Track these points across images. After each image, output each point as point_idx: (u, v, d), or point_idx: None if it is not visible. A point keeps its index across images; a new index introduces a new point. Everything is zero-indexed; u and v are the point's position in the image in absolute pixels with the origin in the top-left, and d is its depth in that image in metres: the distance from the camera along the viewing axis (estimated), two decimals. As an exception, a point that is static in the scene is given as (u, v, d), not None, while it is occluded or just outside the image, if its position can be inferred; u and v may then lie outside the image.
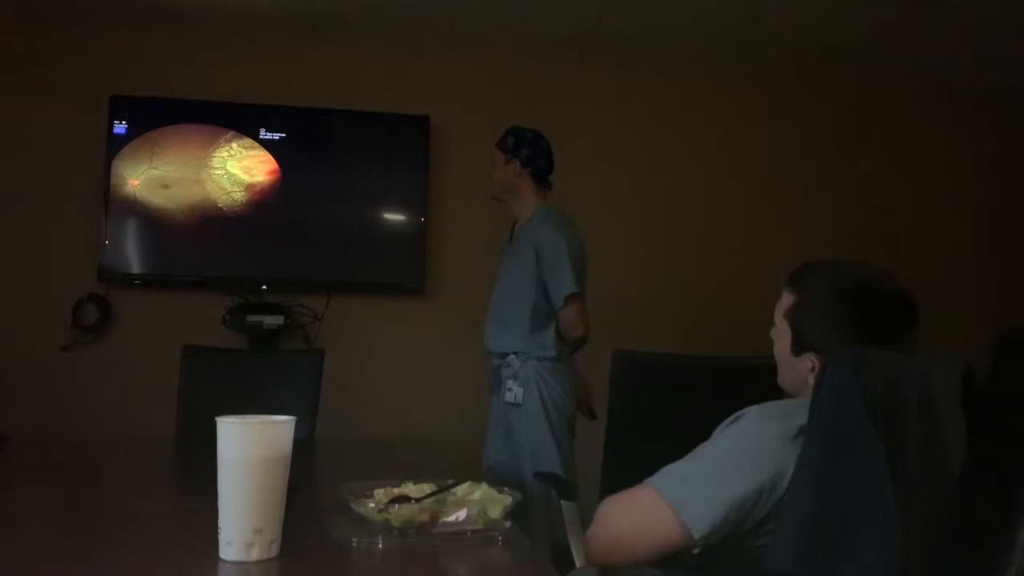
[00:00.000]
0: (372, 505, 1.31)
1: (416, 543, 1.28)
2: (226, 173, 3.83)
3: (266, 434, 1.19)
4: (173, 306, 3.79)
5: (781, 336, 1.43)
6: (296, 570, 1.19)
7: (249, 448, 1.17)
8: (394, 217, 3.99)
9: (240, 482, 1.15)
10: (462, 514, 1.31)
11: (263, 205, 3.84)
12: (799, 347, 1.40)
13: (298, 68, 3.96)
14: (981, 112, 4.39)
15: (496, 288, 3.03)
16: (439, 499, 1.33)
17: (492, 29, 3.87)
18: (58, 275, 3.76)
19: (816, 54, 4.03)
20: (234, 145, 3.84)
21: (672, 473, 1.31)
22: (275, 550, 1.18)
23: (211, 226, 3.81)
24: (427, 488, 1.37)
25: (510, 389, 2.86)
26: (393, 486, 1.38)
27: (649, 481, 1.32)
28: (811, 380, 1.33)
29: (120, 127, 3.75)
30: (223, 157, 3.83)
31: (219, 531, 1.16)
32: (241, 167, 3.84)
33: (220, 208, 3.82)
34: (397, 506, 1.30)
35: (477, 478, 1.44)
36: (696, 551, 1.27)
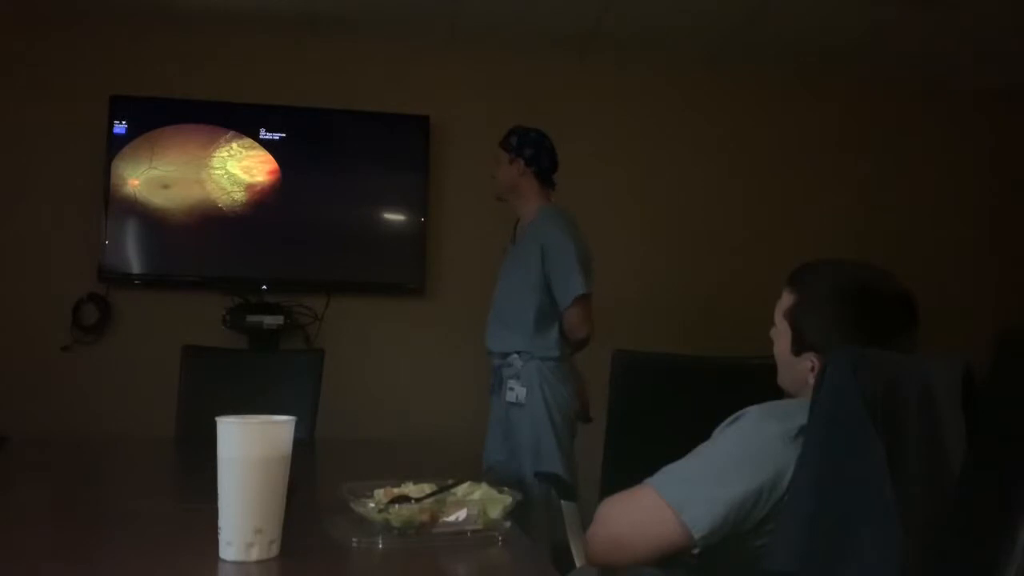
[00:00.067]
0: (372, 505, 1.31)
1: (416, 543, 1.28)
2: (226, 173, 3.83)
3: (266, 434, 1.19)
4: (173, 306, 3.79)
5: (781, 336, 1.43)
6: (296, 570, 1.20)
7: (249, 448, 1.17)
8: (394, 217, 3.99)
9: (240, 482, 1.15)
10: (462, 514, 1.31)
11: (263, 205, 3.84)
12: (799, 347, 1.40)
13: (298, 68, 3.96)
14: (981, 112, 4.39)
15: (498, 288, 3.02)
16: (439, 499, 1.33)
17: (492, 29, 3.87)
18: (58, 275, 3.76)
19: (816, 54, 4.03)
20: (234, 145, 3.84)
21: (672, 473, 1.31)
22: (275, 550, 1.18)
23: (211, 226, 3.81)
24: (427, 488, 1.37)
25: (512, 389, 2.85)
26: (393, 486, 1.38)
27: (649, 481, 1.32)
28: (811, 380, 1.33)
29: (120, 127, 3.75)
30: (223, 157, 3.83)
31: (219, 531, 1.16)
32: (241, 167, 3.84)
33: (220, 208, 3.82)
34: (397, 506, 1.30)
35: (477, 478, 1.44)
36: (696, 551, 1.27)
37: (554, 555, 2.17)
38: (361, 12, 3.72)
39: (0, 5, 3.72)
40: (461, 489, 1.38)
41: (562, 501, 2.28)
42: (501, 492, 1.38)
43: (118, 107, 3.75)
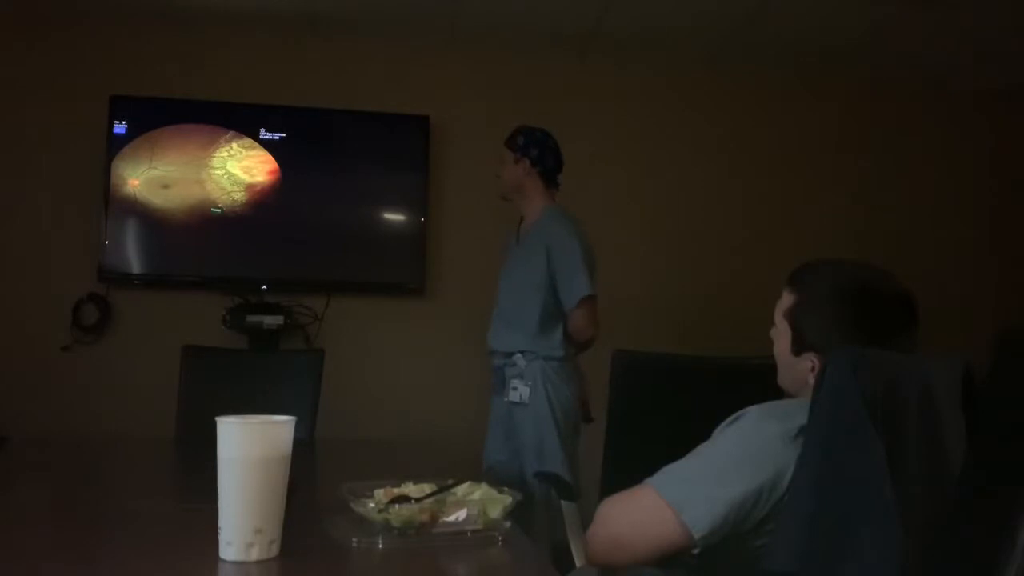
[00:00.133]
0: (372, 505, 1.31)
1: (416, 543, 1.28)
2: (226, 173, 3.83)
3: (266, 434, 1.19)
4: (173, 306, 3.79)
5: (781, 336, 1.43)
6: (296, 570, 1.20)
7: (249, 448, 1.17)
8: (394, 217, 3.99)
9: (240, 482, 1.15)
10: (462, 514, 1.31)
11: (263, 205, 3.84)
12: (799, 347, 1.40)
13: (298, 68, 3.96)
14: (981, 112, 4.39)
15: (501, 287, 3.01)
16: (439, 499, 1.33)
17: (492, 29, 3.87)
18: (58, 275, 3.76)
19: (816, 54, 4.03)
20: (234, 145, 3.84)
21: (672, 473, 1.31)
22: (275, 550, 1.18)
23: (211, 226, 3.81)
24: (427, 488, 1.37)
25: (515, 388, 2.85)
26: (393, 486, 1.38)
27: (649, 481, 1.32)
28: (811, 380, 1.33)
29: (120, 127, 3.75)
30: (223, 157, 3.83)
31: (219, 531, 1.16)
32: (241, 167, 3.84)
33: (220, 208, 3.82)
34: (397, 506, 1.30)
35: (477, 478, 1.44)
36: (696, 551, 1.27)
37: (554, 555, 2.17)
38: (361, 12, 3.72)
39: (0, 5, 3.72)
40: (461, 489, 1.38)
41: (562, 501, 2.28)
42: (501, 492, 1.38)
43: (118, 107, 3.75)
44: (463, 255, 3.96)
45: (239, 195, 3.83)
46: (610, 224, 3.84)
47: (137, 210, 3.75)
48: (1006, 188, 4.40)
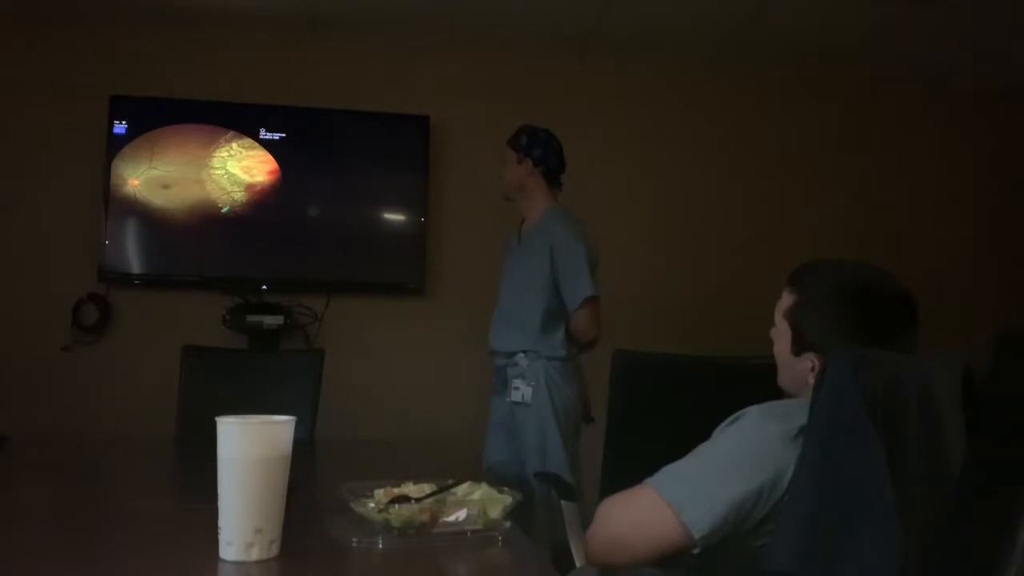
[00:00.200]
0: (372, 505, 1.31)
1: (416, 543, 1.28)
2: (226, 173, 3.83)
3: (266, 434, 1.19)
4: (173, 306, 3.79)
5: (781, 336, 1.43)
6: (296, 570, 1.19)
7: (249, 448, 1.17)
8: (394, 217, 3.99)
9: (240, 482, 1.15)
10: (462, 514, 1.31)
11: (263, 205, 3.84)
12: (799, 347, 1.40)
13: (298, 68, 3.96)
14: (981, 112, 4.39)
15: (503, 287, 3.01)
16: (439, 499, 1.33)
17: (492, 29, 3.87)
18: (58, 275, 3.76)
19: (816, 54, 4.03)
20: (234, 145, 3.84)
21: (672, 473, 1.31)
22: (275, 550, 1.18)
23: (211, 226, 3.81)
24: (427, 488, 1.37)
25: (517, 388, 2.85)
26: (393, 486, 1.38)
27: (649, 481, 1.32)
28: (811, 380, 1.33)
29: (120, 127, 3.75)
30: (223, 157, 3.83)
31: (219, 531, 1.16)
32: (241, 167, 3.84)
33: (220, 208, 3.82)
34: (397, 506, 1.30)
35: (477, 478, 1.44)
36: (696, 551, 1.27)
37: (554, 555, 2.17)
38: (361, 12, 3.72)
39: (0, 5, 3.72)
40: (461, 489, 1.38)
41: (562, 501, 2.28)
42: (501, 492, 1.38)
43: (118, 107, 3.75)
44: (463, 255, 3.96)
45: (239, 195, 3.83)
46: (610, 224, 3.83)
47: (137, 210, 3.75)
48: (1006, 188, 4.40)
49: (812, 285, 1.42)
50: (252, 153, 3.85)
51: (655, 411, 2.15)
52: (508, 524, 1.34)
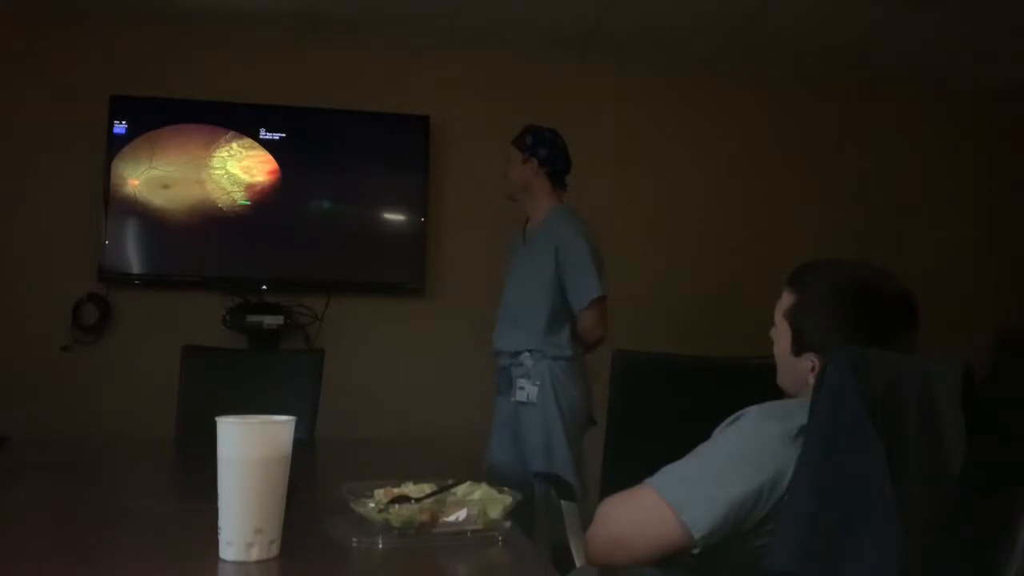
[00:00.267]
0: (372, 505, 1.31)
1: (416, 543, 1.28)
2: (226, 173, 3.83)
3: (266, 434, 1.19)
4: (173, 306, 3.79)
5: (781, 336, 1.44)
6: (296, 570, 1.19)
7: (249, 448, 1.17)
8: (394, 217, 3.99)
9: (240, 482, 1.15)
10: (462, 514, 1.31)
11: (263, 205, 3.84)
12: (799, 347, 1.40)
13: (298, 68, 3.96)
14: (981, 112, 4.39)
15: (507, 287, 3.01)
16: (439, 499, 1.33)
17: (492, 29, 3.87)
18: (58, 275, 3.76)
19: (816, 54, 4.03)
20: (234, 145, 3.84)
21: (672, 473, 1.31)
22: (275, 550, 1.18)
23: (211, 226, 3.81)
24: (427, 488, 1.37)
25: (522, 388, 2.84)
26: (393, 486, 1.38)
27: (649, 481, 1.32)
28: (811, 380, 1.33)
29: (120, 127, 3.75)
30: (223, 157, 3.83)
31: (219, 531, 1.16)
32: (241, 167, 3.84)
33: (220, 208, 3.82)
34: (397, 506, 1.30)
35: (477, 478, 1.44)
36: (696, 551, 1.27)
37: (554, 555, 2.17)
38: (361, 12, 3.72)
39: (0, 5, 3.72)
40: (461, 489, 1.38)
41: (562, 501, 2.28)
42: (501, 492, 1.37)
43: (118, 107, 3.75)
44: (463, 255, 3.96)
45: (239, 195, 3.83)
46: (610, 224, 3.83)
47: (137, 210, 3.75)
48: (1006, 188, 4.40)
49: (812, 285, 1.42)
50: (252, 153, 3.85)
51: (655, 411, 2.15)
52: (508, 524, 1.34)
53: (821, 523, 1.15)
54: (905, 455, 1.16)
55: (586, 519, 1.53)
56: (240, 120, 3.84)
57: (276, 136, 3.86)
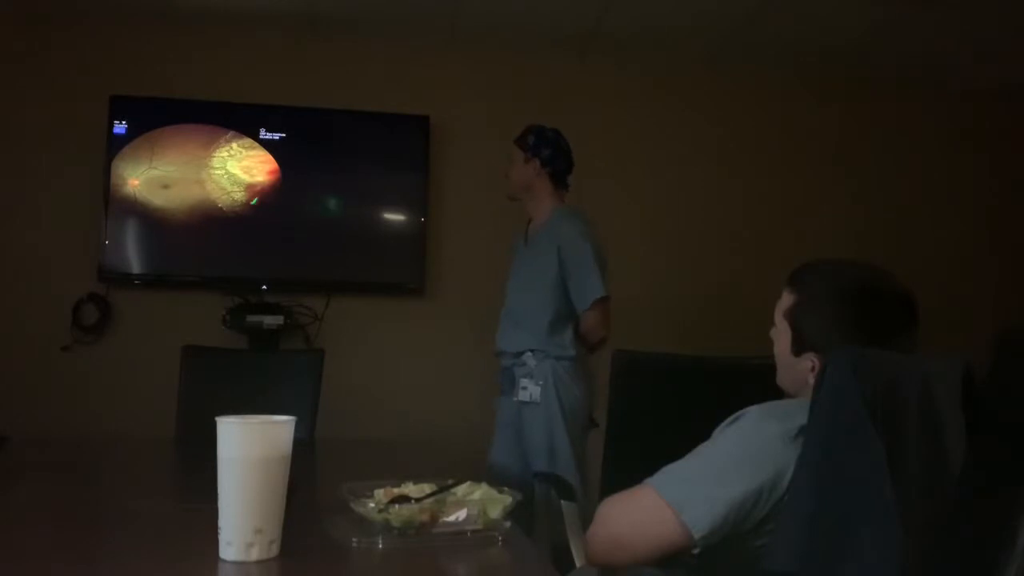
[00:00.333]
0: (372, 505, 1.31)
1: (416, 543, 1.28)
2: (226, 173, 3.83)
3: (266, 434, 1.19)
4: (173, 306, 3.79)
5: (781, 336, 1.43)
6: (296, 570, 1.19)
7: (249, 448, 1.17)
8: (394, 217, 3.99)
9: (240, 482, 1.15)
10: (462, 514, 1.31)
11: (263, 205, 3.84)
12: (799, 347, 1.40)
13: (298, 68, 3.96)
14: (981, 112, 4.39)
15: (509, 288, 3.00)
16: (439, 499, 1.33)
17: (492, 29, 3.87)
18: (58, 275, 3.76)
19: (816, 54, 4.03)
20: (234, 145, 3.84)
21: (672, 473, 1.31)
22: (275, 550, 1.18)
23: (211, 226, 3.81)
24: (427, 488, 1.37)
25: (525, 388, 2.84)
26: (393, 486, 1.38)
27: (649, 481, 1.32)
28: (811, 380, 1.33)
29: (120, 127, 3.75)
30: (223, 157, 3.83)
31: (219, 531, 1.16)
32: (241, 167, 3.84)
33: (220, 208, 3.82)
34: (397, 506, 1.30)
35: (477, 478, 1.44)
36: (696, 551, 1.27)
37: (554, 555, 2.17)
38: (361, 12, 3.72)
39: (0, 5, 3.72)
40: (461, 489, 1.38)
41: (562, 501, 2.28)
42: (501, 492, 1.37)
43: (118, 107, 3.75)
44: (463, 255, 3.96)
45: (239, 195, 3.83)
46: (610, 224, 3.82)
47: (137, 210, 3.75)
48: (1006, 188, 4.40)
49: (812, 285, 1.42)
50: (252, 153, 3.85)
51: (655, 411, 2.15)
52: (508, 524, 1.34)
53: (821, 523, 1.15)
54: (905, 455, 1.16)
55: (586, 519, 1.53)
56: (240, 120, 3.84)
57: (276, 136, 3.86)
